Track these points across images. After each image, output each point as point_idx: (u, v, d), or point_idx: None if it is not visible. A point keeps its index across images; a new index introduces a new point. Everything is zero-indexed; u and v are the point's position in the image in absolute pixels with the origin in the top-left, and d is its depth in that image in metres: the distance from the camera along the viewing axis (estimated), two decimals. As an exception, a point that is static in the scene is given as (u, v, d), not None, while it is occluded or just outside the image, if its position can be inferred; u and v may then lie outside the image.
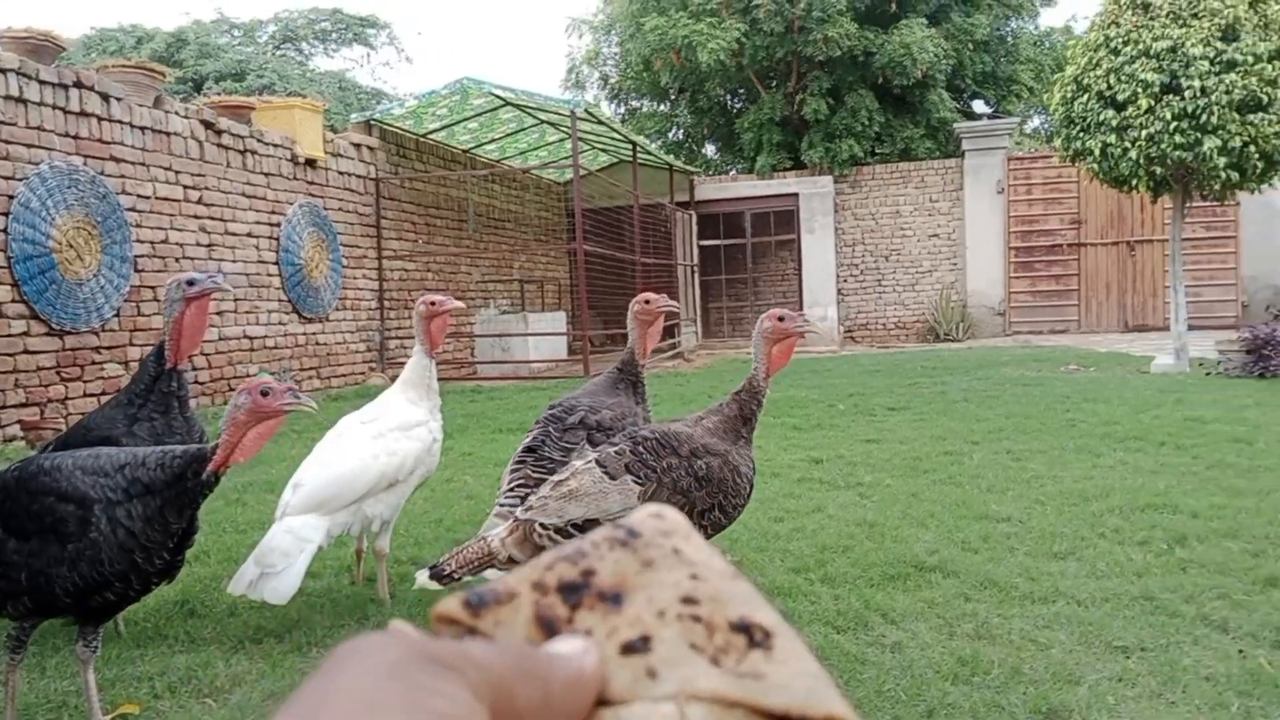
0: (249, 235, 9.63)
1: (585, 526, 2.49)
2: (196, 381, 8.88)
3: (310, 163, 10.61)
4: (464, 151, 14.15)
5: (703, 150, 21.49)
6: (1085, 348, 13.76)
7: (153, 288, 8.43)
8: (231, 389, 9.24)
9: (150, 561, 2.27)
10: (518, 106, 12.67)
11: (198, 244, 8.98)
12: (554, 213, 17.28)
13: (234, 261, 9.42)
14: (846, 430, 6.91)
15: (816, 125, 17.64)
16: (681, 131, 20.97)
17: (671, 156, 18.13)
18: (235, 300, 9.41)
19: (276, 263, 10.00)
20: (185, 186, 8.87)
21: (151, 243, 8.45)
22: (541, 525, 2.52)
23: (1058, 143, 10.62)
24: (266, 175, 9.92)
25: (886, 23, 17.27)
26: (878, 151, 18.64)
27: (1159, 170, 9.63)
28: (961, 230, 17.66)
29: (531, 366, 12.90)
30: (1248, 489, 4.50)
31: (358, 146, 11.62)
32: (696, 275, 18.38)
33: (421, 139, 12.97)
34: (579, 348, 12.48)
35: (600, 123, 13.12)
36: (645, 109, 21.32)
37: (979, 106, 20.03)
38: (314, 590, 3.51)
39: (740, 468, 2.70)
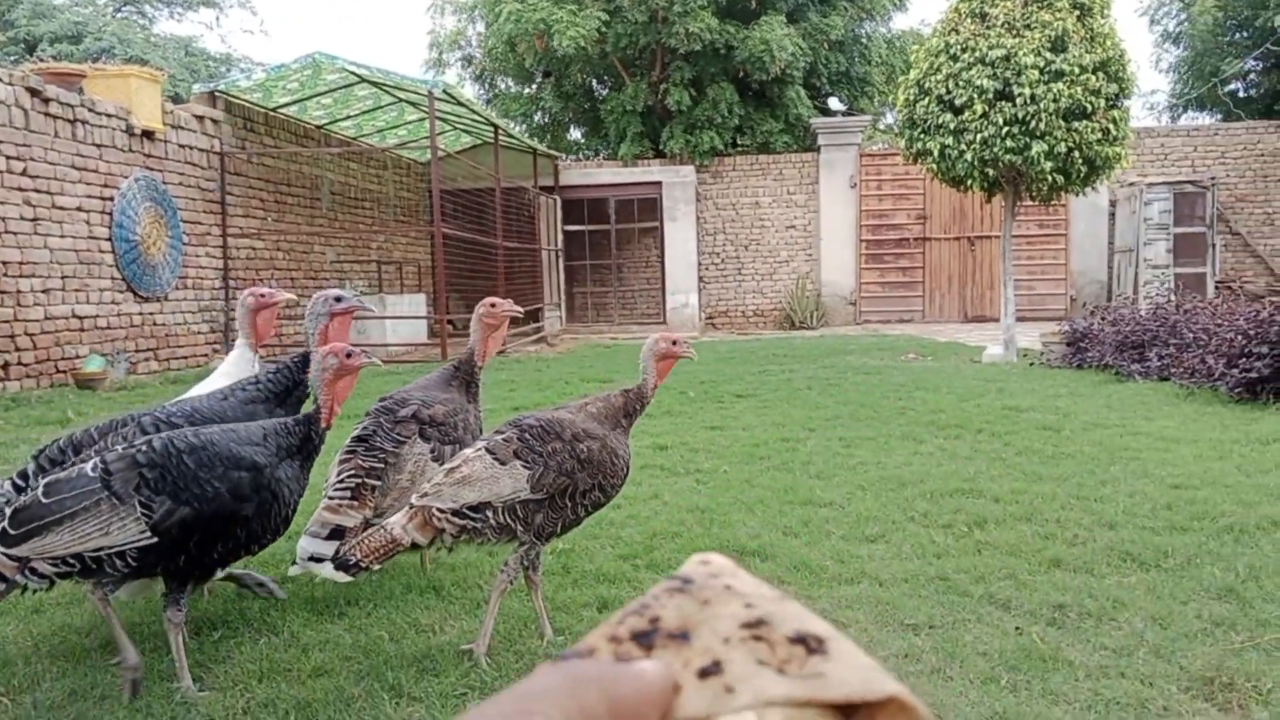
0: (79, 210, 9.09)
1: (479, 509, 2.69)
2: (20, 363, 8.36)
3: (148, 134, 10.08)
4: (317, 128, 13.70)
5: (568, 134, 21.46)
6: (927, 337, 14.47)
7: (-32, 263, 7.88)
8: (60, 371, 8.75)
9: (287, 518, 2.65)
10: (373, 84, 12.36)
11: (21, 218, 8.43)
12: (415, 193, 16.95)
13: (61, 237, 8.88)
14: (694, 417, 7.08)
15: (679, 115, 17.88)
16: (547, 115, 20.87)
17: (536, 140, 18.05)
18: (63, 278, 8.88)
19: (109, 239, 9.48)
20: (8, 157, 8.31)
21: (-33, 215, 7.88)
22: (439, 510, 2.67)
23: (901, 143, 11.11)
24: (99, 147, 9.38)
25: (747, 18, 17.63)
26: (738, 143, 19.06)
27: (991, 172, 10.22)
28: (817, 222, 18.26)
29: (389, 350, 12.66)
30: (1047, 475, 4.86)
31: (200, 119, 11.11)
32: (561, 260, 18.38)
33: (271, 113, 12.50)
34: (441, 331, 12.31)
35: (460, 104, 12.94)
36: (510, 91, 21.11)
37: (834, 104, 20.71)
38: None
39: (618, 451, 2.88)
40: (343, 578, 2.69)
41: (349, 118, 13.90)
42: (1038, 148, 9.78)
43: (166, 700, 2.50)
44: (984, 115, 9.94)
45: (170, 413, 2.95)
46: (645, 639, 0.32)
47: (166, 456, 2.43)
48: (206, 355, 10.99)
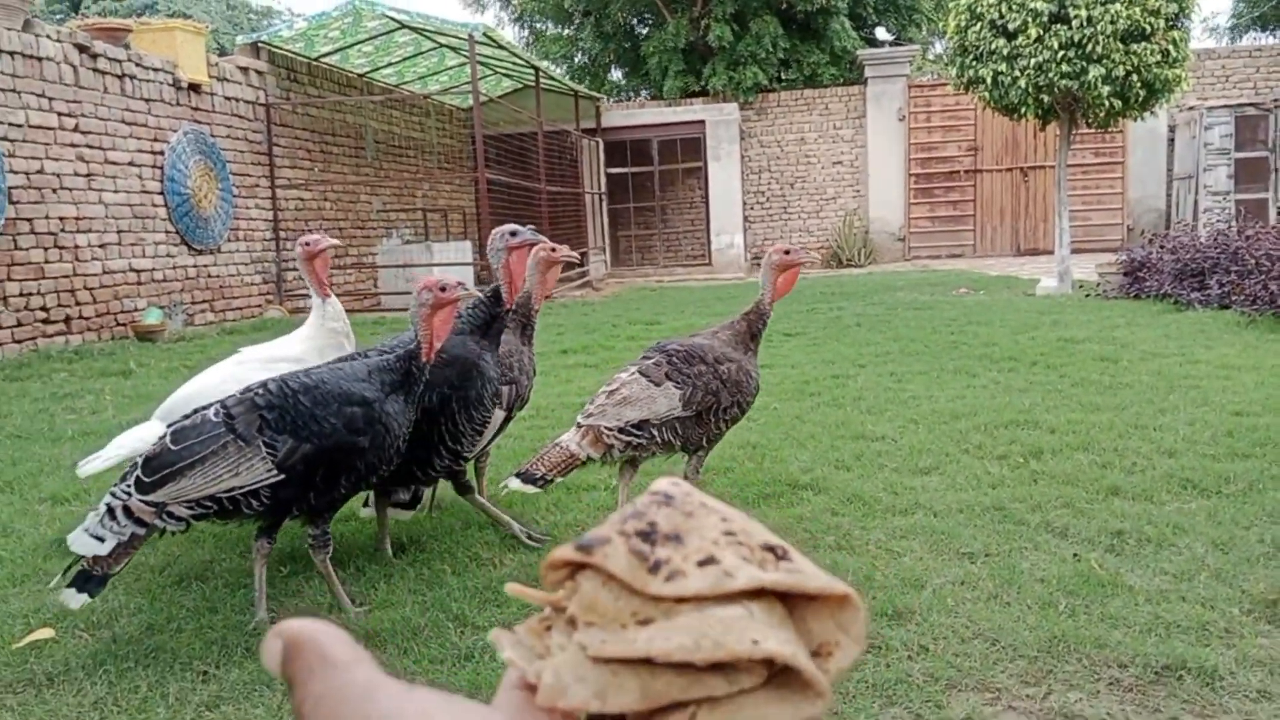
0: (130, 164, 9.23)
1: (641, 426, 3.06)
2: (81, 317, 8.58)
3: (194, 88, 10.16)
4: (359, 76, 13.70)
5: (609, 75, 21.21)
6: (978, 271, 14.22)
7: (29, 220, 8.06)
8: (119, 324, 8.97)
9: (399, 449, 2.74)
10: (413, 29, 12.29)
11: (75, 174, 8.58)
12: (458, 139, 16.92)
13: (115, 192, 9.04)
14: (742, 356, 7.06)
15: (722, 51, 17.55)
16: (587, 56, 20.63)
17: (577, 82, 17.87)
18: (119, 233, 9.06)
19: (162, 192, 9.62)
20: (59, 114, 8.44)
21: (26, 173, 8.05)
22: (607, 428, 3.04)
23: (952, 71, 10.81)
24: (147, 101, 9.48)
25: (790, -53, 17.18)
26: (783, 78, 18.68)
27: (1046, 98, 9.92)
28: (864, 157, 17.92)
29: (436, 297, 12.76)
30: (1105, 405, 4.79)
31: (245, 70, 11.16)
32: (604, 203, 18.29)
33: (314, 63, 12.51)
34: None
35: (500, 47, 12.83)
36: (549, 32, 20.87)
37: (881, 34, 20.17)
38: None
39: (751, 373, 3.21)
40: (530, 490, 3.05)
41: (390, 65, 13.87)
42: (1095, 71, 9.46)
43: (239, 631, 2.60)
44: (1038, 39, 9.62)
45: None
46: (648, 537, 0.36)
47: (284, 397, 2.54)
48: (260, 306, 11.18)
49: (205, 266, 10.31)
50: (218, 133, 10.60)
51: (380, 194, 14.16)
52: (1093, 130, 10.64)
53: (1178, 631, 2.36)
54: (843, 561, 2.92)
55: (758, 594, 0.35)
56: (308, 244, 3.48)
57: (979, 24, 10.01)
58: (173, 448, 2.47)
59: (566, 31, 20.57)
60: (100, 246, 8.83)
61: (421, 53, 13.65)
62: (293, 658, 0.36)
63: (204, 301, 10.29)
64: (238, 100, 11.00)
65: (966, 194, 17.60)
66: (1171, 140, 16.93)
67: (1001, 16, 9.82)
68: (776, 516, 3.39)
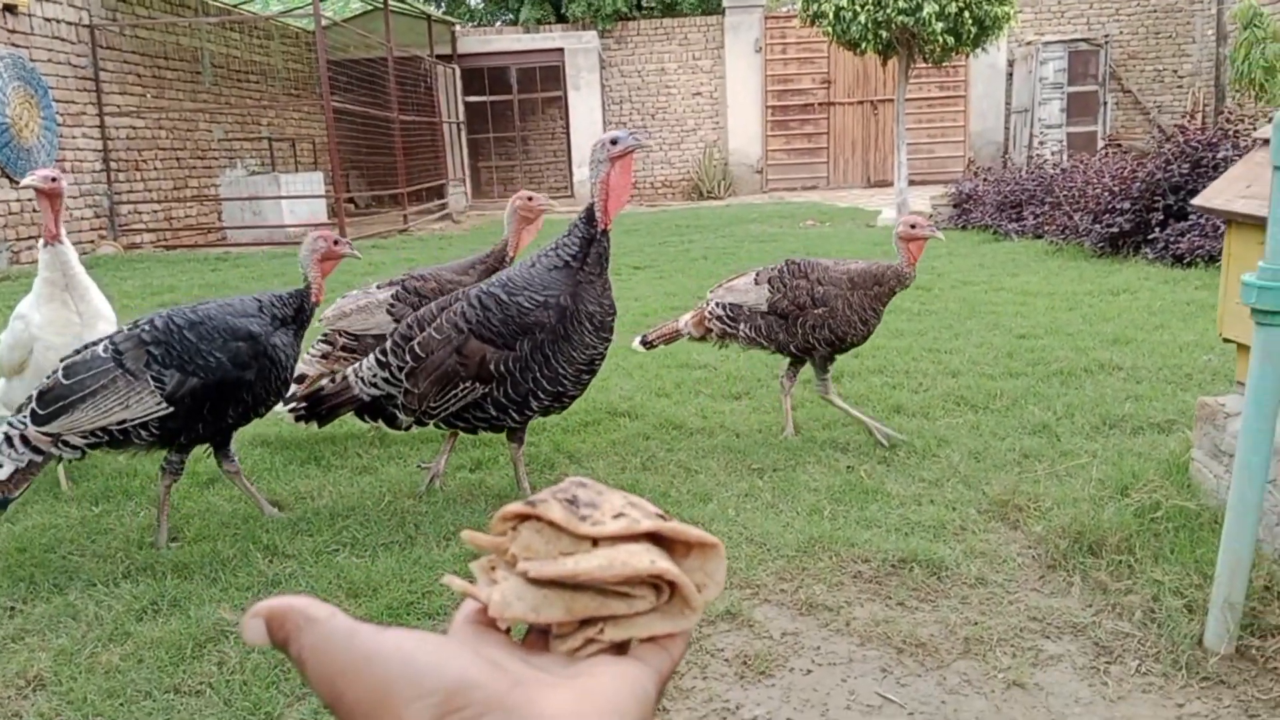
0: (-65, 90, 8.59)
1: (733, 310, 3.57)
2: (-112, 256, 8.03)
3: (9, 9, 9.45)
4: (194, -4, 12.96)
5: (465, 0, 20.65)
6: (829, 203, 14.72)
7: None
8: (-68, 263, 8.42)
9: (286, 381, 2.85)
10: (251, -52, 11.69)
11: None
12: (306, 64, 16.24)
13: (-81, 120, 8.40)
14: (587, 288, 7.21)
15: (580, -23, 17.32)
16: (443, -21, 20.01)
17: (432, 6, 17.35)
18: (-74, 164, 8.46)
19: (-25, 121, 9.00)
20: None
21: None
22: (709, 310, 3.64)
23: (799, 5, 11.04)
24: (-49, 21, 8.79)
25: None
26: (643, 6, 18.60)
27: (885, 34, 10.26)
28: (723, 89, 18.12)
29: (287, 231, 12.40)
30: (909, 330, 5.18)
31: (64, -11, 10.43)
32: (463, 133, 17.98)
33: (142, -19, 11.77)
34: (339, 209, 12.08)
35: (345, -32, 12.34)
36: (403, -47, 20.09)
37: (738, -37, 20.22)
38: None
39: (854, 307, 3.42)
40: (641, 350, 3.82)
41: (228, -15, 13.17)
42: (929, 8, 9.83)
43: (45, 569, 2.64)
44: (877, -24, 9.92)
45: (488, 287, 2.92)
46: (574, 501, 0.49)
47: (169, 333, 2.64)
48: (93, 242, 10.66)
49: (30, 200, 9.74)
50: (38, 57, 9.92)
51: (221, 122, 13.54)
52: (930, 66, 11.07)
53: (919, 530, 2.68)
54: (644, 480, 3.15)
55: (653, 541, 0.49)
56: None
57: (822, -41, 10.23)
58: (64, 381, 2.58)
59: (420, -48, 19.83)
60: (-95, 179, 8.24)
61: (261, -28, 13.00)
62: (279, 626, 0.42)
63: (30, 238, 9.74)
64: (58, 21, 10.30)
65: (820, 126, 18.06)
66: (1010, 75, 17.74)
67: (844, -48, 10.06)
68: (593, 442, 3.60)
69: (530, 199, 3.64)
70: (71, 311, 3.11)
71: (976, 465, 3.15)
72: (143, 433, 2.64)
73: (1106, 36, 17.10)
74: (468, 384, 2.85)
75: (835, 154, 18.19)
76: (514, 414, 2.92)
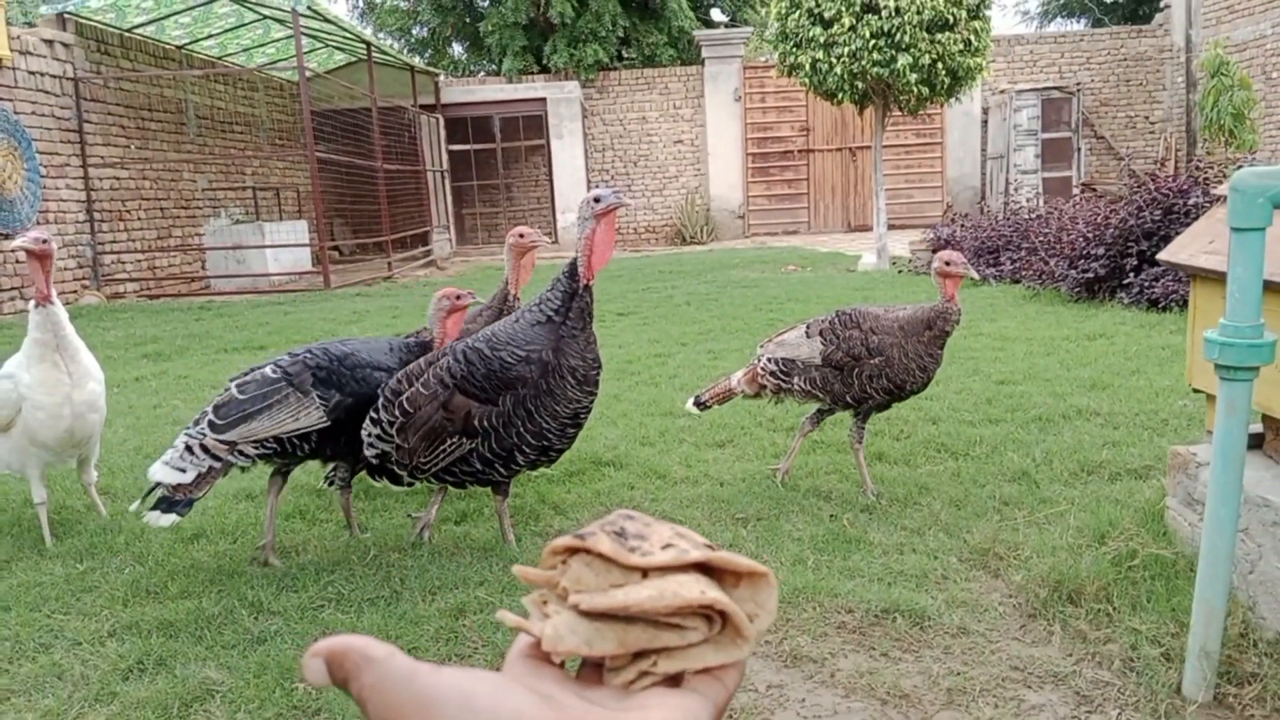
0: (-80, 143, 8.63)
1: (786, 365, 3.49)
2: None
3: (-8, 60, 9.55)
4: (178, 48, 13.10)
5: (449, 50, 20.93)
6: (810, 248, 14.89)
7: None
8: (-87, 315, 8.39)
9: None
10: (233, 0, 11.85)
11: None
12: (290, 115, 16.39)
13: (-97, 173, 8.43)
14: (571, 336, 7.26)
15: (562, 28, 17.62)
16: (426, 29, 20.28)
17: (416, 57, 17.59)
18: (-91, 217, 8.47)
19: (-42, 174, 9.03)
20: None
21: None
22: (761, 367, 3.56)
23: (776, 57, 11.27)
24: (-63, 75, 8.86)
25: (627, -74, 17.36)
26: (624, 56, 18.91)
27: (861, 85, 10.48)
28: (704, 136, 18.38)
29: (271, 279, 12.43)
30: (890, 376, 5.23)
31: (50, 43, 10.54)
32: (448, 181, 18.13)
33: (126, 34, 11.90)
34: (323, 256, 12.12)
35: (328, 20, 12.52)
36: (386, 4, 20.41)
37: (716, 15, 20.67)
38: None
39: (911, 353, 3.35)
40: (696, 411, 3.77)
41: (211, 37, 13.32)
42: (903, 60, 10.07)
43: (31, 627, 2.63)
44: (852, 28, 10.16)
45: (474, 342, 2.99)
46: (622, 533, 0.49)
47: (329, 360, 3.04)
48: (75, 292, 10.65)
49: (10, 254, 9.74)
50: (22, 109, 10.00)
51: (206, 172, 13.62)
52: (904, 115, 11.29)
53: (902, 579, 2.71)
54: (629, 532, 3.16)
55: (702, 571, 0.49)
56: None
57: (798, 12, 10.47)
58: (239, 396, 2.95)
59: (403, 3, 20.16)
60: (-112, 232, 8.24)
61: (245, 24, 13.17)
62: (339, 665, 0.43)
63: (12, 289, 9.73)
64: (43, 75, 10.39)
65: (800, 173, 18.33)
66: (986, 122, 18.09)
67: (818, 5, 10.31)
68: (578, 492, 3.62)
69: (522, 235, 3.67)
70: (62, 372, 3.13)
71: (958, 513, 3.19)
72: (303, 444, 2.99)
73: (1079, 84, 17.50)
74: (454, 439, 2.89)
75: (815, 199, 18.44)
76: (500, 469, 2.95)
